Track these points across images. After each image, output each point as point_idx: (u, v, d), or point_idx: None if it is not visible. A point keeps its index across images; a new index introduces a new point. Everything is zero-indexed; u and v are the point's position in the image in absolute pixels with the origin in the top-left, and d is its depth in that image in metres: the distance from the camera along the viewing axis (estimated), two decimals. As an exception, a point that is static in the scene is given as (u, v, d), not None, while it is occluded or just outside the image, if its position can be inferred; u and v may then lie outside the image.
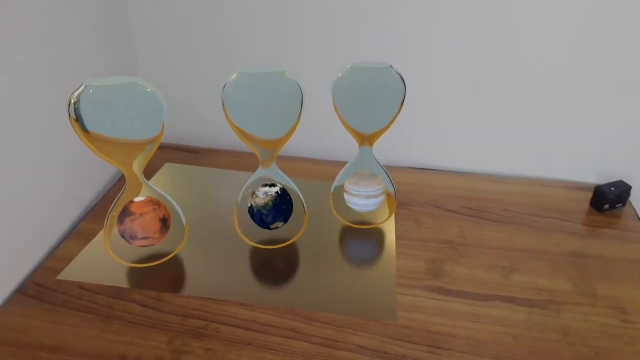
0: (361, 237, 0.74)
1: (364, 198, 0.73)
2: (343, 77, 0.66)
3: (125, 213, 0.64)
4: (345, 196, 0.75)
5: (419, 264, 0.69)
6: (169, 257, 0.67)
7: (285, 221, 0.70)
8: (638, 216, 0.80)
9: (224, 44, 0.89)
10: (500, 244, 0.73)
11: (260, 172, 0.68)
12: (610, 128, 0.85)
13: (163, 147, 0.98)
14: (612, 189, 0.79)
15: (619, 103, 0.82)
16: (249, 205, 0.68)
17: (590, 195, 0.83)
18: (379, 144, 0.83)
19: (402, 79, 0.66)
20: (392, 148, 0.93)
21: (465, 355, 0.56)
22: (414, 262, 0.69)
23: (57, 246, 0.70)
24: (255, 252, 0.69)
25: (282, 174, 0.68)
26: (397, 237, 0.74)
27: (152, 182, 0.84)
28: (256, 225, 0.69)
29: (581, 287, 0.65)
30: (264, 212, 0.68)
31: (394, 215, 0.77)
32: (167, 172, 0.89)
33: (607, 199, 0.78)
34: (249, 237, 0.70)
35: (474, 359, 0.55)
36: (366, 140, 0.70)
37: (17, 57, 0.62)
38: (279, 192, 0.68)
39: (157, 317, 0.59)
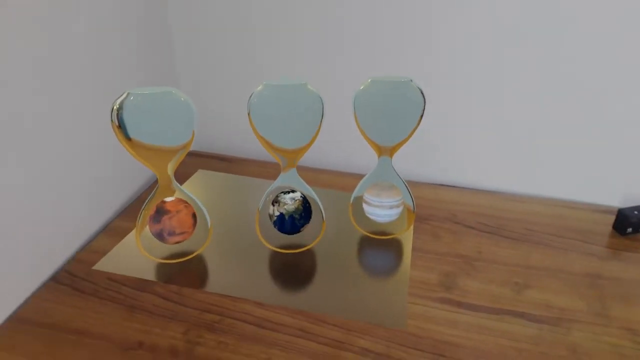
0: (378, 247, 0.76)
1: (382, 208, 0.75)
2: (364, 90, 0.69)
3: (162, 212, 0.68)
4: (364, 206, 0.77)
5: (432, 276, 0.70)
6: (193, 255, 0.71)
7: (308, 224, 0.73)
8: (662, 240, 0.79)
9: (256, 59, 0.94)
10: (516, 261, 0.73)
11: (281, 180, 0.71)
12: (637, 151, 0.84)
13: (198, 155, 1.03)
14: (636, 212, 0.78)
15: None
16: (278, 213, 0.71)
17: (613, 218, 0.82)
18: (403, 158, 0.85)
19: (421, 92, 0.68)
20: (417, 163, 0.95)
21: (469, 365, 0.57)
22: (427, 273, 0.70)
23: (92, 240, 0.75)
24: (274, 255, 0.72)
25: (302, 181, 0.72)
26: (414, 249, 0.75)
27: (184, 186, 0.89)
28: (275, 230, 0.72)
29: (595, 306, 0.65)
30: (296, 216, 0.71)
31: (412, 227, 0.79)
32: (199, 177, 0.94)
33: (629, 223, 0.78)
34: (269, 241, 0.73)
35: (478, 369, 0.56)
36: (385, 152, 0.73)
37: (71, 70, 0.69)
38: (303, 196, 0.71)
39: (176, 309, 0.62)
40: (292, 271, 0.70)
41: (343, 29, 0.87)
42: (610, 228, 0.81)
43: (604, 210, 0.86)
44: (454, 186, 0.95)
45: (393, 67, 0.87)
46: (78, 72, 0.71)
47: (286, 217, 0.71)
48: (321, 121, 0.67)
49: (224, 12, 0.91)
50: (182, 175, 0.93)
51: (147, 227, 0.68)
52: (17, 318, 0.60)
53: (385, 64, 0.88)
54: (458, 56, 0.84)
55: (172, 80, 0.98)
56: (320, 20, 0.87)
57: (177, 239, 0.70)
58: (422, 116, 0.69)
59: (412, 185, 0.91)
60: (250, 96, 0.65)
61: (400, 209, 0.76)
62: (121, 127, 0.60)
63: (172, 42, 0.96)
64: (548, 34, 0.79)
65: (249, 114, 0.65)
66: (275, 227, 0.72)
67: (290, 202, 0.71)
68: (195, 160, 1.00)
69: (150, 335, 0.58)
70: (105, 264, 0.70)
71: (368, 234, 0.77)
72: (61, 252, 0.71)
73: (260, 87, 0.65)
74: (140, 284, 0.66)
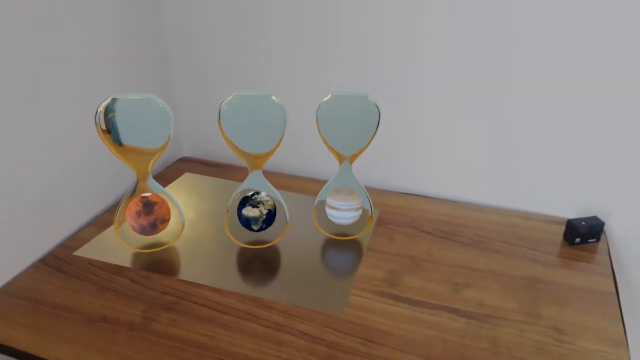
0: (336, 246, 0.82)
1: (342, 211, 0.82)
2: (326, 103, 0.76)
3: (150, 204, 0.77)
4: (327, 209, 0.84)
5: (379, 273, 0.76)
6: (166, 246, 0.80)
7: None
8: (609, 251, 0.82)
9: (242, 75, 1.03)
10: (462, 263, 0.78)
11: (248, 182, 0.79)
12: (592, 165, 0.88)
13: (189, 160, 1.12)
14: (583, 223, 0.82)
15: (602, 140, 0.86)
16: (249, 216, 0.79)
17: (564, 228, 0.86)
18: (379, 168, 0.92)
19: (377, 106, 0.75)
20: (386, 173, 1.02)
21: (394, 351, 0.62)
22: (375, 270, 0.76)
23: (79, 230, 0.84)
24: (240, 251, 0.80)
25: (268, 183, 0.79)
26: (368, 249, 0.81)
27: (168, 187, 0.98)
28: (242, 228, 0.80)
29: (526, 307, 0.70)
30: (261, 220, 0.79)
31: (371, 230, 0.86)
32: (185, 179, 1.03)
33: (578, 233, 0.82)
34: (236, 237, 0.80)
35: (402, 354, 0.62)
36: (345, 159, 0.80)
37: (68, 75, 0.79)
38: (268, 199, 0.79)
39: (142, 291, 0.70)
40: (253, 264, 0.78)
41: (308, 44, 0.95)
42: (560, 238, 0.85)
43: (556, 221, 0.90)
44: (418, 195, 1.01)
45: (359, 81, 0.94)
46: (77, 77, 0.81)
47: (247, 219, 0.79)
48: (284, 129, 0.74)
49: (218, 21, 1.00)
50: (170, 176, 1.03)
51: (133, 220, 0.77)
52: (4, 291, 0.70)
53: (352, 79, 0.95)
54: (422, 71, 0.91)
55: (170, 99, 1.08)
56: (299, 34, 0.96)
57: (166, 225, 0.79)
58: (377, 127, 0.76)
59: (379, 193, 0.98)
60: (221, 104, 0.73)
61: (359, 212, 0.83)
62: (108, 129, 0.69)
63: (167, 49, 1.06)
64: (502, 51, 0.85)
65: (219, 120, 0.73)
66: (262, 225, 0.80)
67: (257, 207, 0.79)
68: (185, 165, 1.09)
69: (115, 311, 0.67)
70: (86, 251, 0.79)
71: (328, 234, 0.84)
72: (51, 239, 0.80)
73: (230, 97, 0.73)
74: (116, 269, 0.75)
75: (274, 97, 0.74)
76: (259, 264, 0.78)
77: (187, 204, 0.93)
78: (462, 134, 0.94)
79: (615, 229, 0.90)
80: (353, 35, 0.91)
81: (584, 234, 0.82)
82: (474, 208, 0.95)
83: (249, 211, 0.78)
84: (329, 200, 0.83)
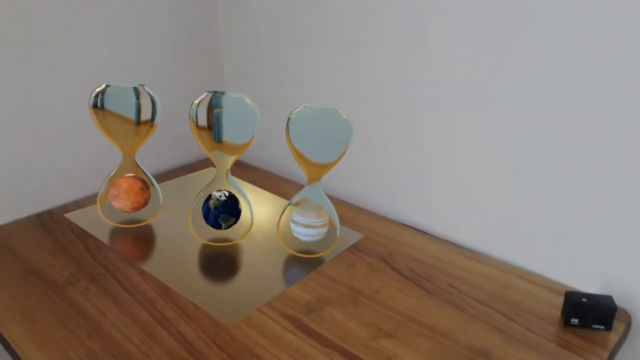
0: (291, 261, 0.76)
1: (301, 226, 0.76)
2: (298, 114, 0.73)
3: (146, 183, 0.84)
4: (290, 221, 0.78)
5: (305, 297, 0.68)
6: (137, 225, 0.84)
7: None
8: (613, 350, 0.60)
9: (296, 78, 1.03)
10: (405, 311, 0.66)
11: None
12: (629, 228, 0.66)
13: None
14: (585, 300, 0.62)
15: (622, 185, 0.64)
16: (212, 206, 0.79)
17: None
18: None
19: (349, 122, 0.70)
20: (383, 200, 0.91)
21: (250, 378, 0.55)
22: (303, 293, 0.69)
23: (83, 199, 0.94)
24: (202, 247, 0.80)
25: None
26: (315, 271, 0.74)
27: (186, 176, 1.04)
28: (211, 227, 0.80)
29: (442, 380, 0.56)
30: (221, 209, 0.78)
31: (334, 252, 0.78)
32: (204, 174, 1.07)
33: (576, 311, 0.62)
34: (202, 235, 0.81)
35: (256, 384, 0.55)
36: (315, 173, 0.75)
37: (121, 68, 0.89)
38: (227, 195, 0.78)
39: (85, 257, 0.75)
40: (201, 259, 0.77)
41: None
42: (558, 313, 0.66)
43: (560, 289, 0.70)
44: (416, 229, 0.88)
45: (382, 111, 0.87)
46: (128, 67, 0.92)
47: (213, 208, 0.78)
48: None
49: (272, 29, 1.03)
50: (196, 167, 1.08)
51: (131, 199, 0.82)
52: (-7, 233, 0.82)
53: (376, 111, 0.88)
54: (446, 112, 0.79)
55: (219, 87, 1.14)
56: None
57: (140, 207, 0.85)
58: (348, 144, 0.71)
59: (376, 218, 0.89)
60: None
61: (318, 231, 0.76)
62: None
63: (220, 51, 1.11)
64: (533, 110, 0.69)
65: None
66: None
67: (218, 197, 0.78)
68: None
69: (50, 269, 0.72)
70: (76, 216, 0.87)
71: (286, 248, 0.79)
72: (51, 201, 0.91)
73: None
74: (81, 234, 0.81)
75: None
76: (206, 259, 0.77)
77: (181, 192, 0.97)
78: (482, 176, 0.79)
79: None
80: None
81: (585, 315, 0.62)
82: (469, 255, 0.79)
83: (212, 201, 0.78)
84: (293, 213, 0.78)
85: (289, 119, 0.73)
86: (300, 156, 0.74)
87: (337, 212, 0.91)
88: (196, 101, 0.74)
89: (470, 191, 0.81)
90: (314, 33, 0.93)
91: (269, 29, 1.00)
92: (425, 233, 0.86)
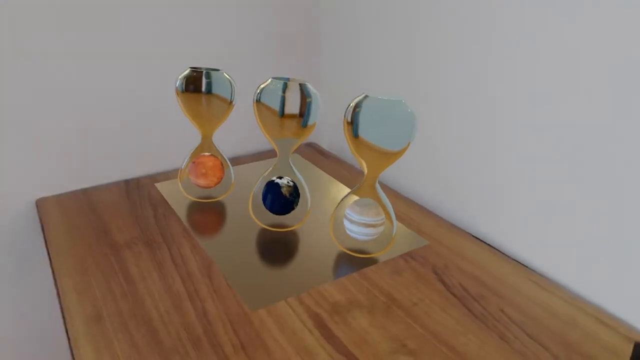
0: (336, 255, 0.74)
1: (354, 224, 0.73)
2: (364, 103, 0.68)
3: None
4: (344, 217, 0.75)
5: (336, 296, 0.65)
6: (210, 200, 0.88)
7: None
8: None
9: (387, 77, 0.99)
10: (440, 330, 0.59)
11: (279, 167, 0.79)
12: None
13: (311, 146, 1.15)
14: (661, 358, 0.49)
15: None
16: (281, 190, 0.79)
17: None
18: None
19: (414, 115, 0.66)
20: (467, 208, 0.82)
21: (251, 367, 0.54)
22: (336, 292, 0.66)
23: (162, 172, 1.01)
24: (260, 231, 0.81)
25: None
26: (358, 272, 0.70)
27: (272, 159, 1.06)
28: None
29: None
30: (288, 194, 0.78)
31: (387, 255, 0.73)
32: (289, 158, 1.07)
33: (648, 370, 0.50)
34: (262, 220, 0.82)
35: (255, 375, 0.53)
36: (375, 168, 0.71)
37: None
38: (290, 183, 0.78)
39: (149, 224, 0.80)
40: (260, 239, 0.78)
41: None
42: (626, 368, 0.54)
43: (632, 336, 0.56)
44: (489, 245, 0.78)
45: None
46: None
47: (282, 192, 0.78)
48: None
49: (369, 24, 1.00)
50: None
51: (217, 175, 0.86)
52: (85, 192, 0.91)
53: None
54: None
55: (317, 81, 1.14)
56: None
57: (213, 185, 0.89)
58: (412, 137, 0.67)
59: (448, 227, 0.81)
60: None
61: (373, 230, 0.72)
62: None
63: (320, 62, 1.11)
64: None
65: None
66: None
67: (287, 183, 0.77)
68: (306, 150, 1.14)
69: (118, 231, 0.79)
70: (164, 185, 0.94)
71: (339, 245, 0.76)
72: (141, 170, 0.99)
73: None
74: (157, 202, 0.87)
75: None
76: (257, 243, 0.77)
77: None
78: (579, 199, 0.68)
79: None
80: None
81: (659, 378, 0.50)
82: (536, 280, 0.68)
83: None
84: (347, 209, 0.74)
85: (351, 107, 0.69)
86: (360, 145, 0.69)
87: (405, 213, 0.86)
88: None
89: (562, 214, 0.70)
90: (414, 26, 0.88)
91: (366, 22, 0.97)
92: (497, 250, 0.77)
